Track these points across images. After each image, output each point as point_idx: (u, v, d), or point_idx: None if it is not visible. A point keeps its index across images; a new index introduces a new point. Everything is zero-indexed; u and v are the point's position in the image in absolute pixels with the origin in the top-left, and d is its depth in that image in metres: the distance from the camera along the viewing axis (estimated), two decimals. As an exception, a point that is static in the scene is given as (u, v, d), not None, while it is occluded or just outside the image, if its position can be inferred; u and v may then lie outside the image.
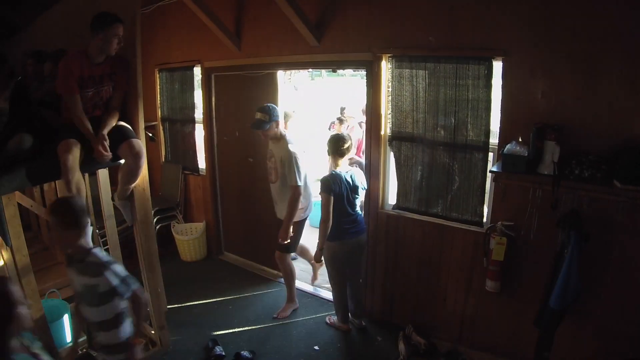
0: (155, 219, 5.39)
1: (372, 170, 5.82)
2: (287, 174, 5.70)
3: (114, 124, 4.49)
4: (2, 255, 4.21)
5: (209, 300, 6.72)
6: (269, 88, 6.71)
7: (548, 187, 4.16)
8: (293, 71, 23.55)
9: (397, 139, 5.49)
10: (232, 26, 6.77)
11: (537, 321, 4.40)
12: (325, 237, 5.41)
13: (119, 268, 3.67)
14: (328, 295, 6.71)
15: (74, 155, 4.15)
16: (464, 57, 4.82)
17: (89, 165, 4.45)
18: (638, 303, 4.21)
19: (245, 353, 5.39)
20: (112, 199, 5.26)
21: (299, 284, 7.00)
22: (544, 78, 4.40)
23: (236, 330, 5.99)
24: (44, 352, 2.85)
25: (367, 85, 5.65)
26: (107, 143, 4.32)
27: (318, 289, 7.00)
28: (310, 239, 6.86)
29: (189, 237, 8.00)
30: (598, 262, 4.29)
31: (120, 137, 4.45)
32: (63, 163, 4.09)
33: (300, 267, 7.47)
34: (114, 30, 4.25)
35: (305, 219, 6.35)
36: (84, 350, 4.96)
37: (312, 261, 6.67)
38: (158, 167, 8.62)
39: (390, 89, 5.40)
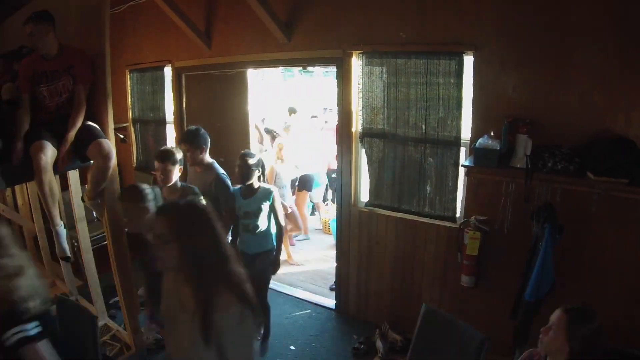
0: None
1: (344, 167, 5.82)
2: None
3: (79, 123, 4.40)
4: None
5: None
6: (239, 87, 6.70)
7: (521, 180, 4.16)
8: (265, 71, 23.50)
9: (369, 135, 5.49)
10: (202, 25, 6.72)
11: (513, 314, 4.41)
12: None
13: None
14: (303, 295, 6.74)
15: (48, 155, 4.08)
16: (434, 53, 4.83)
17: (58, 167, 4.36)
18: (612, 293, 4.25)
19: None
20: (82, 200, 5.19)
21: (273, 284, 7.00)
22: (515, 72, 4.42)
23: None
24: None
25: (338, 82, 5.66)
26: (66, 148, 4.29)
27: (293, 288, 6.97)
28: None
29: (161, 238, 7.86)
30: (572, 253, 4.33)
31: (88, 138, 4.37)
32: (36, 163, 4.02)
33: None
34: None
35: None
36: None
37: None
38: (131, 170, 8.54)
39: (361, 86, 5.40)
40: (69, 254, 4.43)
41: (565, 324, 2.91)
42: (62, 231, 4.40)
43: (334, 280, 6.49)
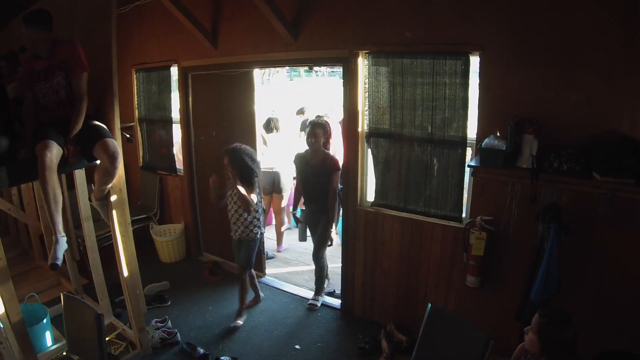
0: (132, 219, 5.35)
1: (350, 166, 5.81)
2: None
3: (82, 116, 4.39)
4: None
5: (189, 301, 6.68)
6: (246, 87, 6.68)
7: (527, 180, 4.16)
8: (271, 71, 23.51)
9: (375, 135, 5.49)
10: (208, 25, 6.74)
11: (518, 315, 4.41)
12: None
13: None
14: (309, 294, 6.76)
15: (53, 154, 4.07)
16: (440, 53, 4.82)
17: (65, 166, 4.38)
18: (617, 294, 4.25)
19: (225, 358, 5.31)
20: (89, 200, 5.21)
21: (279, 283, 7.03)
22: (521, 72, 4.41)
23: (216, 331, 5.95)
24: None
25: (344, 82, 5.65)
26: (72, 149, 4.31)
27: (299, 288, 6.98)
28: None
29: (167, 238, 7.94)
30: (578, 254, 4.31)
31: (94, 137, 4.36)
32: (41, 161, 4.01)
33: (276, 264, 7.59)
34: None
35: None
36: (64, 353, 4.92)
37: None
38: (137, 170, 8.59)
39: (367, 86, 5.40)
40: (59, 262, 4.30)
41: (538, 327, 3.07)
42: (63, 242, 4.26)
43: (339, 281, 6.48)
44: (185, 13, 6.42)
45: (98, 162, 4.54)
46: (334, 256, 7.26)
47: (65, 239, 4.29)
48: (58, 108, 4.49)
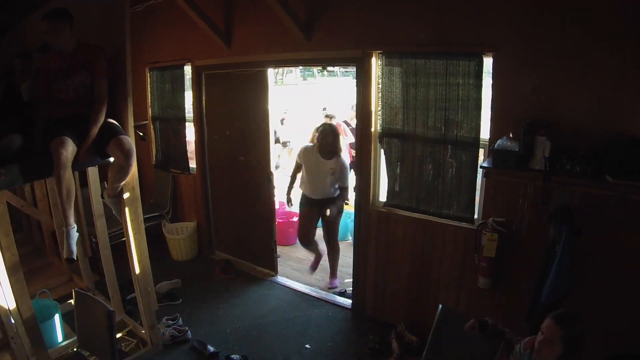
0: (144, 217, 5.36)
1: (363, 167, 5.81)
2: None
3: (102, 118, 4.44)
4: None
5: (200, 299, 6.70)
6: (259, 86, 6.69)
7: (539, 182, 4.14)
8: (284, 70, 23.63)
9: (388, 135, 5.47)
10: (222, 24, 6.75)
11: (528, 316, 4.39)
12: None
13: None
14: (320, 294, 6.77)
15: (68, 151, 4.11)
16: (454, 53, 4.81)
17: (77, 164, 4.41)
18: (628, 297, 4.22)
19: (236, 357, 5.33)
20: (102, 197, 5.23)
21: (290, 282, 7.03)
22: (534, 73, 4.39)
23: (227, 329, 5.96)
24: None
25: (357, 82, 5.65)
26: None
27: (310, 287, 6.99)
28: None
29: (179, 236, 7.97)
30: (589, 257, 4.28)
31: (108, 134, 4.40)
32: (56, 158, 4.04)
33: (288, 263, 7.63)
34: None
35: None
36: (75, 349, 4.94)
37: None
38: (150, 168, 8.62)
39: (380, 86, 5.38)
40: (74, 256, 4.38)
41: (559, 333, 3.00)
42: (74, 233, 4.35)
43: (350, 281, 6.49)
44: (199, 12, 6.45)
45: (111, 159, 4.57)
46: (345, 256, 7.26)
47: (75, 229, 4.36)
48: (75, 104, 4.53)
